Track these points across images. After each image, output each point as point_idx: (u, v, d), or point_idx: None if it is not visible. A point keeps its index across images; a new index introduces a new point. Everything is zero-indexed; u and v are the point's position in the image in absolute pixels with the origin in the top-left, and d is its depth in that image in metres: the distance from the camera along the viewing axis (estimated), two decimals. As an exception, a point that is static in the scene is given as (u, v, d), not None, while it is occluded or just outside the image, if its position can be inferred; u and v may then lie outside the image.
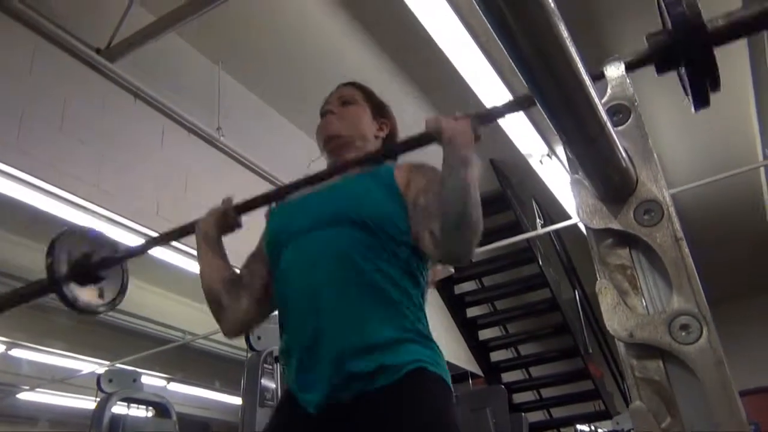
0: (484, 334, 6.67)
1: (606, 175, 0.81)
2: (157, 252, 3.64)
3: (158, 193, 3.51)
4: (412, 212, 1.30)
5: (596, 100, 0.70)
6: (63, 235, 1.63)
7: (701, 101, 0.94)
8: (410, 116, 4.85)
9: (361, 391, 1.17)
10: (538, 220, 5.65)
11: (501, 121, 4.34)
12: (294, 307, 1.30)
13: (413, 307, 1.28)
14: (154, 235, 3.40)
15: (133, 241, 3.47)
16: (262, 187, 4.27)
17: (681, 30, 0.90)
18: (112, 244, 1.74)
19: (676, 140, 5.47)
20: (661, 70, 0.98)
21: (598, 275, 0.87)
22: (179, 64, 3.99)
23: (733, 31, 0.93)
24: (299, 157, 3.99)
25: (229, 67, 4.23)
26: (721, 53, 0.93)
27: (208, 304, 1.45)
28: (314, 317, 1.24)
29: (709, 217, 6.61)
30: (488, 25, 0.57)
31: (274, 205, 1.52)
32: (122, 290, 1.71)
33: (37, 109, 3.00)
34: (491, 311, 6.86)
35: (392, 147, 1.44)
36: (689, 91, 0.94)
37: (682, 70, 0.95)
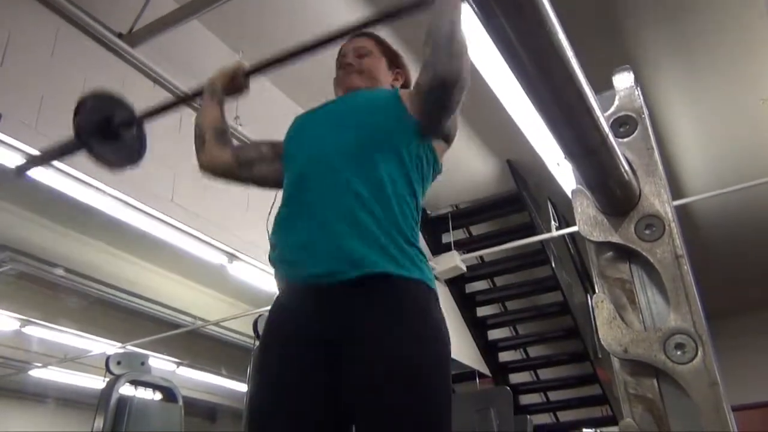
0: (494, 334, 6.64)
1: (607, 187, 0.80)
2: (171, 238, 3.67)
3: (174, 179, 3.53)
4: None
5: (598, 111, 0.68)
6: (88, 98, 1.78)
7: None
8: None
9: (359, 278, 1.21)
10: (553, 222, 5.60)
11: (518, 122, 4.31)
12: (303, 208, 1.33)
13: (411, 217, 1.33)
14: (169, 220, 3.46)
15: (148, 225, 3.51)
16: (277, 178, 4.29)
17: None
18: (130, 107, 1.89)
19: (696, 147, 5.40)
20: None
21: (596, 288, 0.86)
22: (200, 52, 4.00)
23: None
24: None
25: (249, 56, 4.20)
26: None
27: (194, 140, 1.65)
28: (322, 221, 1.28)
29: (728, 226, 6.53)
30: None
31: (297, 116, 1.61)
32: (142, 147, 1.89)
33: (57, 90, 3.02)
34: (502, 311, 6.82)
35: (387, 12, 1.48)
36: None
37: None
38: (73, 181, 3.05)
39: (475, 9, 0.52)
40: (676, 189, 5.69)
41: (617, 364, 0.82)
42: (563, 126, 0.69)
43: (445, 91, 1.26)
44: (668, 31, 4.12)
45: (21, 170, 1.97)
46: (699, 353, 0.76)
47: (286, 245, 1.31)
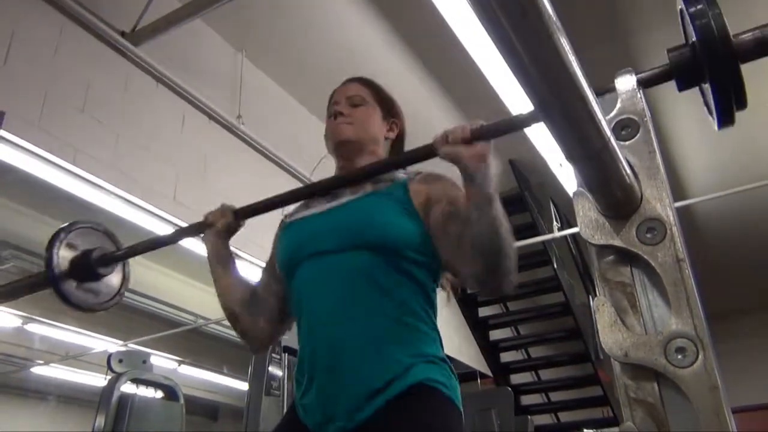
0: (495, 335, 6.65)
1: (609, 190, 0.80)
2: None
3: (176, 177, 3.53)
4: (441, 237, 1.25)
5: (599, 115, 0.68)
6: (64, 229, 1.62)
7: (726, 120, 0.90)
8: (432, 113, 4.81)
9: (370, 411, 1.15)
10: (555, 223, 5.60)
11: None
12: (310, 336, 1.26)
13: (429, 329, 1.26)
14: (172, 219, 3.47)
15: (150, 223, 3.51)
16: (280, 177, 4.29)
17: (705, 44, 0.85)
18: (115, 241, 1.74)
19: (700, 148, 5.39)
20: (682, 86, 0.94)
21: (597, 291, 0.86)
22: (203, 51, 4.01)
23: (762, 46, 0.88)
24: (318, 148, 3.99)
25: (252, 55, 4.24)
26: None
27: (229, 322, 1.47)
28: (331, 350, 1.21)
29: (732, 227, 6.53)
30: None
31: (286, 219, 1.49)
32: (121, 289, 1.71)
33: (60, 89, 3.03)
34: (503, 312, 6.83)
35: (398, 161, 1.37)
36: (713, 108, 0.91)
37: (705, 86, 0.91)
38: (75, 178, 3.06)
39: (477, 12, 0.52)
40: (679, 190, 5.69)
41: (618, 368, 0.82)
42: (565, 130, 0.69)
43: (502, 294, 1.24)
44: (673, 31, 4.12)
45: None
46: (700, 357, 0.76)
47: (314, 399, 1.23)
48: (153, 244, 1.65)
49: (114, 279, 1.69)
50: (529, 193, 5.68)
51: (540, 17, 0.52)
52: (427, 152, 1.22)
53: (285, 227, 1.46)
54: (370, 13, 3.98)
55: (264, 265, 1.53)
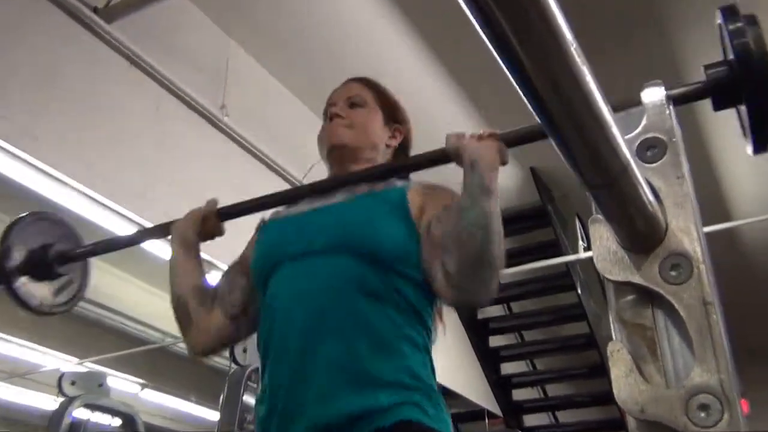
0: (508, 368, 6.63)
1: (629, 220, 0.80)
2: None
3: (148, 173, 3.53)
4: (425, 242, 1.26)
5: (618, 138, 0.69)
6: (21, 221, 1.65)
7: (761, 145, 0.94)
8: (437, 100, 4.80)
9: None
10: (580, 242, 5.58)
11: (545, 127, 4.31)
12: (280, 348, 1.25)
13: (417, 353, 1.24)
14: (141, 221, 3.47)
15: (117, 225, 3.51)
16: (266, 177, 4.30)
17: (743, 63, 0.89)
18: (77, 237, 1.77)
19: (749, 168, 5.38)
20: (718, 106, 0.98)
21: (613, 335, 0.86)
22: (185, 31, 4.01)
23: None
24: (314, 148, 3.99)
25: (241, 38, 4.25)
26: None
27: (174, 316, 1.43)
28: (303, 366, 1.20)
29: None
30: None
31: (266, 218, 1.50)
32: (80, 291, 1.75)
33: (20, 68, 3.04)
34: (518, 342, 6.82)
35: (404, 165, 1.40)
36: (748, 131, 0.93)
37: (742, 108, 0.94)
38: (32, 170, 3.05)
39: (487, 34, 0.52)
40: (724, 211, 5.68)
41: (633, 424, 0.82)
42: (578, 155, 0.69)
43: (472, 306, 1.25)
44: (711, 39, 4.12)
45: None
46: (725, 417, 0.76)
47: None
48: (120, 243, 1.69)
49: (72, 280, 1.73)
50: (552, 206, 5.67)
51: (554, 40, 0.52)
52: (437, 157, 1.28)
53: (265, 226, 1.47)
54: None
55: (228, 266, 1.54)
